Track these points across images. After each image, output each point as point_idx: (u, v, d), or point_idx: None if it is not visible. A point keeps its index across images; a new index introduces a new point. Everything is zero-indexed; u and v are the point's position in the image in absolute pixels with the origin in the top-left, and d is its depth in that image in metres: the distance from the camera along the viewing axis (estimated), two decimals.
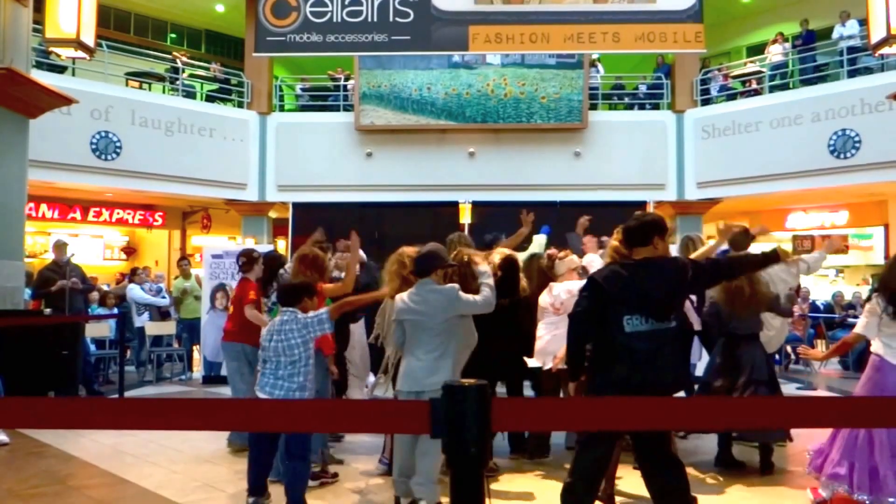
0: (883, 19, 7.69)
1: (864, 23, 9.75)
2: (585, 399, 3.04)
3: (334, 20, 9.61)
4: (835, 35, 12.70)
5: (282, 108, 14.25)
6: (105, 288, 10.81)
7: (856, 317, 10.57)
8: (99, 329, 9.75)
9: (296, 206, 13.20)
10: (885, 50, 8.06)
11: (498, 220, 11.76)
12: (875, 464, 3.90)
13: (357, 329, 6.17)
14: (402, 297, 4.25)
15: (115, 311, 10.05)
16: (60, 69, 11.89)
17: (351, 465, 5.43)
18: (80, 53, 7.86)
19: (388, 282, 4.70)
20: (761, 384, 4.97)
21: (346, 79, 13.87)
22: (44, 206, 14.07)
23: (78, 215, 14.72)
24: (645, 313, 3.44)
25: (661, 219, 3.70)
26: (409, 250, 4.61)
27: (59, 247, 8.95)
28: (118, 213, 15.36)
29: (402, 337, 4.28)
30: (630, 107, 14.23)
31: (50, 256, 10.00)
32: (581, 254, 6.09)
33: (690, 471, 5.13)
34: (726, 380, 5.05)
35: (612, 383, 3.42)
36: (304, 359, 4.18)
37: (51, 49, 8.35)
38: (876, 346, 4.09)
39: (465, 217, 12.65)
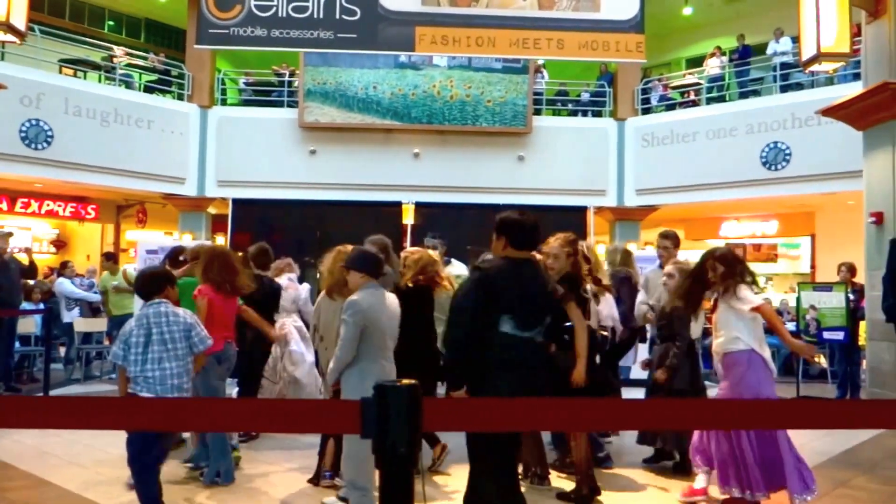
0: (813, 38, 8.02)
1: (797, 40, 10.14)
2: (518, 400, 3.06)
3: (279, 15, 9.48)
4: (769, 51, 13.18)
5: (224, 102, 13.96)
6: (30, 282, 10.37)
7: (784, 323, 10.97)
8: (24, 325, 9.36)
9: (236, 202, 12.96)
10: (815, 67, 8.41)
11: (441, 221, 11.83)
12: (744, 462, 4.12)
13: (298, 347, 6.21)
14: (363, 296, 4.00)
15: (42, 306, 9.67)
16: None
17: (283, 465, 5.36)
18: (10, 37, 7.55)
19: (328, 278, 4.69)
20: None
21: (291, 74, 13.69)
22: None
23: (4, 206, 14.13)
24: (519, 316, 3.36)
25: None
26: (349, 248, 4.60)
27: (1, 236, 8.59)
28: (48, 205, 14.80)
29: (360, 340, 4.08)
30: (573, 113, 14.46)
31: None
32: None
33: (621, 471, 5.25)
34: (686, 382, 5.11)
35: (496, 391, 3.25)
36: (185, 354, 4.06)
37: None
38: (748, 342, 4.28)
39: (409, 217, 12.62)
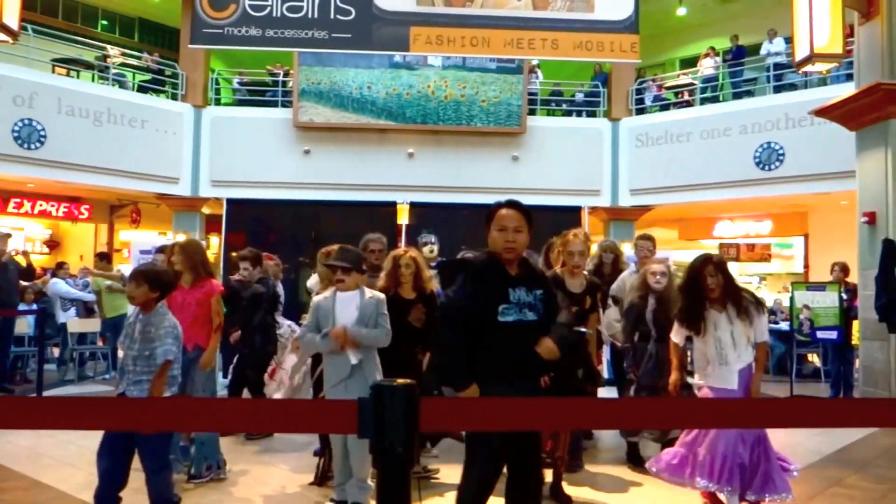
0: (807, 39, 8.06)
1: (790, 41, 10.18)
2: (515, 399, 3.04)
3: (274, 14, 9.46)
4: (763, 51, 13.22)
5: (218, 102, 13.92)
6: (23, 283, 10.35)
7: (776, 322, 11.03)
8: (18, 325, 9.33)
9: (230, 202, 12.92)
10: (808, 67, 8.45)
11: (435, 221, 11.83)
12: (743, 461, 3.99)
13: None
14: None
15: (34, 306, 9.64)
16: None
17: (279, 466, 5.35)
18: (3, 36, 7.52)
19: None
20: None
21: (285, 74, 13.67)
22: None
23: None
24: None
25: None
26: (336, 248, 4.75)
27: (1, 237, 8.58)
28: (41, 205, 14.73)
29: None
30: (568, 113, 14.47)
31: None
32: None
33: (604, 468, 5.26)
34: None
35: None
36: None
37: None
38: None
39: (403, 218, 12.63)
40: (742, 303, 4.17)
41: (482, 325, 3.23)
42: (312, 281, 5.54)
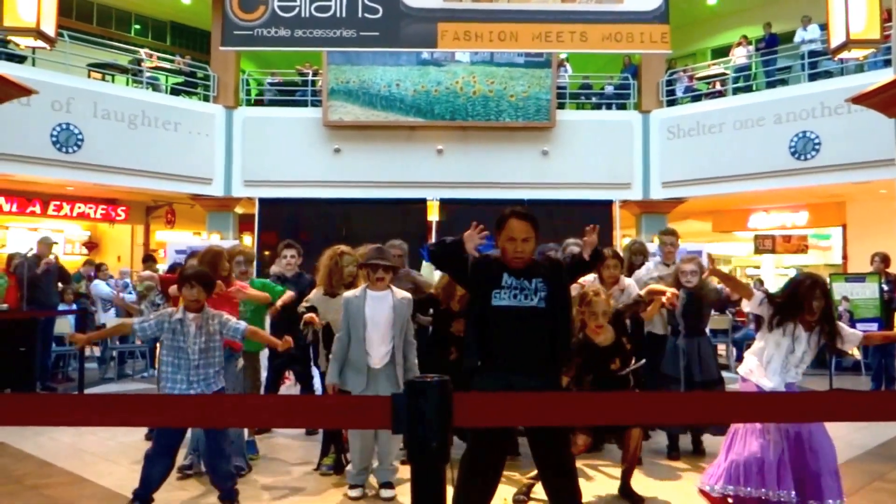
0: (842, 24, 7.85)
1: (824, 27, 9.96)
2: (550, 394, 3.02)
3: (302, 15, 9.52)
4: (797, 39, 12.95)
5: (249, 103, 14.08)
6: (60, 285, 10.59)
7: None
8: (59, 325, 9.55)
9: (262, 201, 13.07)
10: (845, 54, 8.24)
11: (465, 217, 11.82)
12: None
13: None
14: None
15: (75, 306, 9.86)
16: (19, 59, 11.62)
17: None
18: (40, 43, 7.65)
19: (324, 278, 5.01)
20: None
21: (315, 74, 13.77)
22: (1, 200, 13.74)
23: (37, 209, 14.39)
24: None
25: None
26: (344, 248, 4.96)
27: (45, 243, 8.78)
28: (79, 208, 15.05)
29: None
30: (597, 107, 14.35)
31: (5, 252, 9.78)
32: None
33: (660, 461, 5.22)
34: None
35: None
36: (223, 360, 4.20)
37: (9, 38, 8.14)
38: None
39: (433, 215, 12.64)
40: (830, 329, 4.09)
41: (481, 314, 3.39)
42: None
